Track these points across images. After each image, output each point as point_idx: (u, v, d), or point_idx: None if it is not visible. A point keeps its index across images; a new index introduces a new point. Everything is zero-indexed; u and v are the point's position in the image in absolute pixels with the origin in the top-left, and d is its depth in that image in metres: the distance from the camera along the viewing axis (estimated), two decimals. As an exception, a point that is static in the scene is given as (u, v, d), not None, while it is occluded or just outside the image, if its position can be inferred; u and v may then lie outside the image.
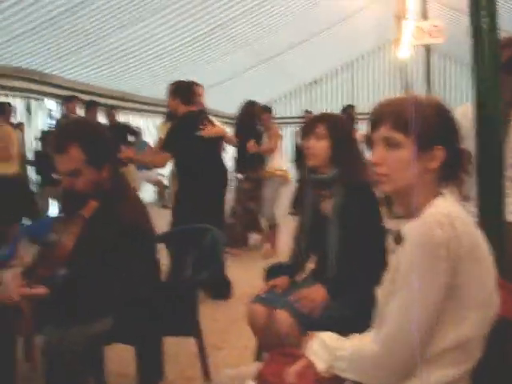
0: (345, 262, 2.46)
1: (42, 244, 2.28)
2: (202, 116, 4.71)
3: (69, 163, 2.21)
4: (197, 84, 5.13)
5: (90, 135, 2.26)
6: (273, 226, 6.49)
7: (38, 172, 7.92)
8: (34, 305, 2.10)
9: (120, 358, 2.91)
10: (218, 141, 4.81)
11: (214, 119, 5.08)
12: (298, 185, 9.07)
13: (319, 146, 2.52)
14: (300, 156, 9.57)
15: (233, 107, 8.02)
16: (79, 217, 2.22)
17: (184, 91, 4.68)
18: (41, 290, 2.09)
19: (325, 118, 2.59)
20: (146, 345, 2.36)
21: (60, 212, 2.57)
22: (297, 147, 10.06)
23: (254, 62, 12.09)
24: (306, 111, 10.32)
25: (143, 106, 10.81)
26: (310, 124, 2.62)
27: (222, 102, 11.40)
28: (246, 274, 5.12)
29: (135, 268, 2.21)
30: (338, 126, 2.58)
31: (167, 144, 4.48)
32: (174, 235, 2.99)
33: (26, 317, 2.11)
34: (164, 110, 6.98)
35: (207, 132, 4.55)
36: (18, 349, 2.59)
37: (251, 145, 6.21)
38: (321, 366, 1.62)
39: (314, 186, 2.64)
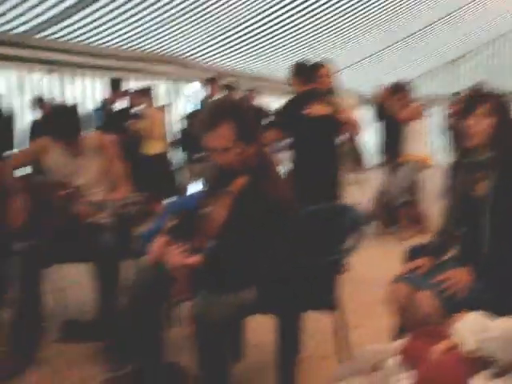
0: (497, 245, 2.38)
1: (195, 217, 2.42)
2: (314, 95, 4.57)
3: (219, 140, 2.31)
4: (322, 64, 5.01)
5: (240, 113, 2.35)
6: (399, 207, 6.32)
7: (184, 150, 8.31)
8: (188, 272, 2.24)
9: (257, 329, 3.02)
10: (330, 122, 4.57)
11: (346, 100, 4.94)
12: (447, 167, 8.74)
13: (482, 125, 2.41)
14: (451, 138, 9.15)
15: (371, 87, 7.88)
16: (229, 192, 2.32)
17: (301, 71, 4.65)
18: (194, 258, 2.23)
19: (489, 97, 2.48)
20: (287, 317, 2.43)
21: (205, 188, 2.69)
22: (448, 128, 9.65)
23: (392, 41, 11.81)
24: (456, 92, 9.88)
25: (280, 87, 10.94)
26: (471, 102, 2.51)
27: (360, 81, 11.26)
28: (384, 256, 5.08)
29: (279, 244, 2.28)
30: (503, 105, 2.47)
31: (275, 122, 4.50)
32: (315, 212, 3.03)
33: (180, 283, 2.26)
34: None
35: (310, 111, 4.45)
36: (169, 314, 2.81)
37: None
38: (468, 346, 1.59)
39: (469, 167, 2.54)
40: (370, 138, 7.41)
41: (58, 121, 3.29)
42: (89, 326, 3.42)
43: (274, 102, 10.54)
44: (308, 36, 9.80)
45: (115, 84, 7.26)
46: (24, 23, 6.66)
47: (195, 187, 8.21)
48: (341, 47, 10.67)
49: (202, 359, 2.27)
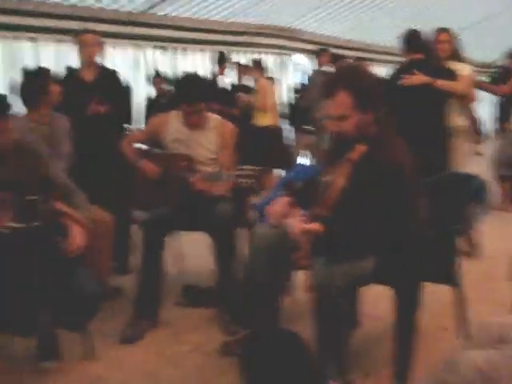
0: None
1: (313, 186, 2.44)
2: (419, 64, 4.33)
3: (337, 108, 2.30)
4: (443, 29, 4.68)
5: (359, 81, 2.32)
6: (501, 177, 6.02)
7: (291, 123, 8.35)
8: (309, 239, 2.27)
9: (374, 299, 3.01)
10: (430, 92, 4.27)
11: (462, 67, 4.68)
12: None
13: None
14: None
15: (488, 53, 7.48)
16: (348, 160, 2.31)
17: (407, 39, 4.47)
18: (316, 226, 2.25)
19: None
20: (406, 288, 2.40)
21: (319, 158, 2.70)
22: None
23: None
24: None
25: (389, 56, 10.67)
26: None
27: (476, 46, 10.71)
28: (501, 230, 4.89)
29: (398, 214, 2.26)
30: None
31: None
32: (436, 182, 2.95)
33: (302, 250, 2.29)
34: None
35: (407, 81, 4.24)
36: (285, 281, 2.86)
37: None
38: None
39: None
40: (487, 107, 7.06)
41: (181, 88, 3.40)
42: (207, 292, 3.56)
43: (382, 73, 10.32)
44: (418, 3, 9.44)
45: (222, 58, 7.38)
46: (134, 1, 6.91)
47: (303, 159, 8.25)
48: (454, 9, 10.18)
49: (319, 327, 2.29)
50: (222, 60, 7.38)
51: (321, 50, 7.46)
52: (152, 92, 7.32)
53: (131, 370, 2.82)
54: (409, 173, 2.30)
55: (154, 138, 3.53)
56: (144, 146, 3.72)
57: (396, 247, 2.29)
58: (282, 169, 6.82)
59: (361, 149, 2.32)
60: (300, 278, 2.74)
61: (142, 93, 7.41)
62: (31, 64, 6.05)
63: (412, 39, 4.47)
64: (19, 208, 2.50)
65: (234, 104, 7.09)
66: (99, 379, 2.74)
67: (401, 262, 2.33)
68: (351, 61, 8.41)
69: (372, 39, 10.46)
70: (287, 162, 7.32)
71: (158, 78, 7.12)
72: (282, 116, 8.16)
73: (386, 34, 10.18)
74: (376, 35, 10.33)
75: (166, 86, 7.14)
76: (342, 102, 2.28)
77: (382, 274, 2.35)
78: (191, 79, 3.46)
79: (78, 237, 2.61)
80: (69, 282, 2.54)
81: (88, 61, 4.14)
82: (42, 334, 2.83)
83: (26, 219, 2.50)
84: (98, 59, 4.26)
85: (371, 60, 10.16)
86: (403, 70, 4.42)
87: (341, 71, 2.43)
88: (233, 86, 7.71)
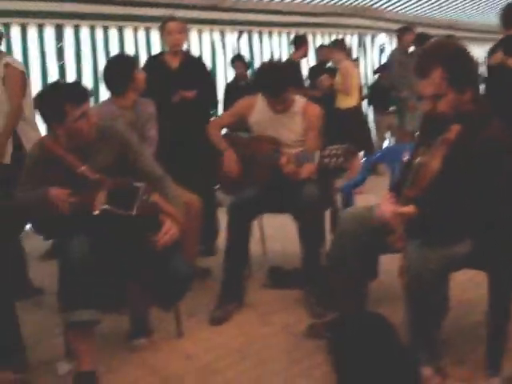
0: None
1: (407, 167, 2.38)
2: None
3: (431, 86, 2.22)
4: None
5: (453, 58, 2.23)
6: None
7: (370, 104, 8.19)
8: (403, 222, 2.23)
9: (463, 285, 2.91)
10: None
11: None
12: None
13: None
14: None
15: None
16: (443, 140, 2.24)
17: (505, 13, 4.23)
18: (409, 208, 2.20)
19: None
20: (501, 273, 2.32)
21: (396, 140, 2.63)
22: None
23: None
24: None
25: (475, 34, 10.23)
26: None
27: None
28: None
29: (496, 196, 2.18)
30: None
31: None
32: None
33: (398, 233, 2.25)
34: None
35: (494, 60, 4.05)
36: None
37: None
38: None
39: None
40: None
41: (263, 76, 3.39)
42: (293, 274, 3.56)
43: (471, 49, 9.88)
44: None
45: (300, 40, 7.31)
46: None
47: (386, 140, 8.09)
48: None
49: (411, 312, 2.26)
50: (301, 42, 7.29)
51: (404, 28, 7.22)
52: (231, 76, 7.35)
53: (219, 348, 2.88)
54: (507, 152, 2.20)
55: (240, 121, 3.55)
56: (228, 131, 3.75)
57: (492, 230, 2.21)
58: (365, 151, 6.71)
59: (456, 128, 2.23)
60: (387, 261, 2.70)
61: (222, 77, 7.45)
62: (117, 51, 6.22)
63: (510, 13, 4.25)
64: (118, 192, 2.52)
65: (314, 86, 7.02)
66: (188, 357, 2.82)
67: (498, 246, 2.24)
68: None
69: (459, 16, 10.00)
70: (369, 144, 7.19)
71: (239, 62, 7.14)
72: (364, 97, 8.00)
73: (474, 9, 9.73)
74: (463, 12, 9.87)
75: (246, 70, 7.16)
76: (436, 80, 2.21)
77: (477, 258, 2.27)
78: (272, 70, 3.40)
79: (169, 233, 2.56)
80: (163, 264, 2.57)
81: (174, 48, 4.18)
82: (135, 312, 2.94)
83: (125, 205, 2.49)
84: (183, 46, 4.30)
85: (461, 38, 9.76)
86: (497, 47, 4.23)
87: (434, 48, 2.34)
88: (313, 68, 7.64)
